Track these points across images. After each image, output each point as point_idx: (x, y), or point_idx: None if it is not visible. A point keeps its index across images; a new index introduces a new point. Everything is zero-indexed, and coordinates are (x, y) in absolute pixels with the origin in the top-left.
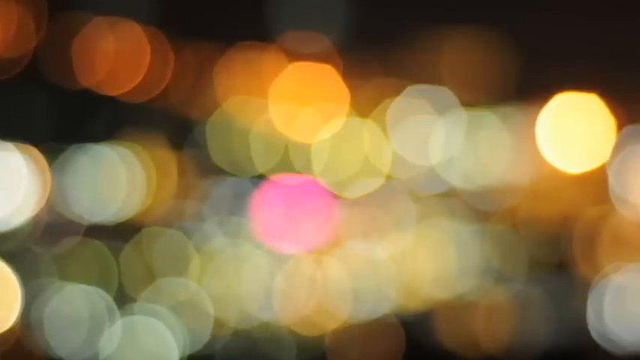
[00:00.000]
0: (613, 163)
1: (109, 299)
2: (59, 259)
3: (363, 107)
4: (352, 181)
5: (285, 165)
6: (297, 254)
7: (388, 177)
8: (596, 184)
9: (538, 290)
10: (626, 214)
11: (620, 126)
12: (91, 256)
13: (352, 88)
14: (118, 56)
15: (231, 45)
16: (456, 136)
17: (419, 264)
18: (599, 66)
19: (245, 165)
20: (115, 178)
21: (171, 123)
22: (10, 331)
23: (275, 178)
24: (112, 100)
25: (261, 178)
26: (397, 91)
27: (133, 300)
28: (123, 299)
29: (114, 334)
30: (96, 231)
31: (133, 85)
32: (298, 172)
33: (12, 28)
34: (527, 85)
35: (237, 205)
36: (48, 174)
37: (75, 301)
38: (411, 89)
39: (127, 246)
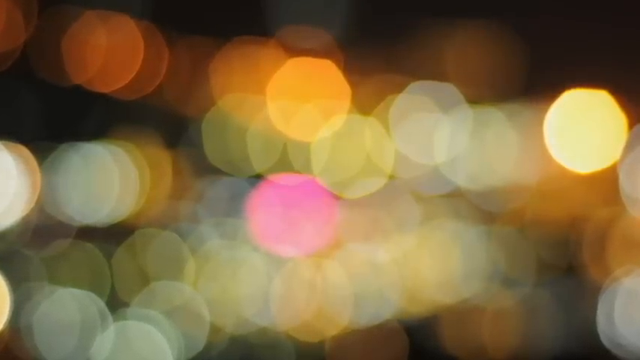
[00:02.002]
0: (624, 162)
1: (101, 304)
2: (49, 262)
3: (364, 104)
4: (353, 181)
5: (284, 164)
6: (296, 257)
7: (391, 177)
8: (607, 184)
9: (546, 294)
10: (637, 215)
11: (632, 124)
12: (82, 259)
13: (353, 85)
14: (110, 52)
15: (227, 40)
16: (461, 134)
17: (422, 267)
18: (610, 62)
19: (242, 164)
20: (108, 178)
21: (166, 121)
22: None
23: (273, 178)
24: (104, 98)
25: (258, 178)
26: (400, 88)
27: (126, 304)
28: (115, 304)
29: (106, 339)
30: (88, 233)
31: (125, 82)
32: (297, 172)
33: (0, 23)
34: (534, 81)
35: (234, 206)
36: (38, 174)
37: (66, 305)
38: (415, 86)
39: (119, 248)
